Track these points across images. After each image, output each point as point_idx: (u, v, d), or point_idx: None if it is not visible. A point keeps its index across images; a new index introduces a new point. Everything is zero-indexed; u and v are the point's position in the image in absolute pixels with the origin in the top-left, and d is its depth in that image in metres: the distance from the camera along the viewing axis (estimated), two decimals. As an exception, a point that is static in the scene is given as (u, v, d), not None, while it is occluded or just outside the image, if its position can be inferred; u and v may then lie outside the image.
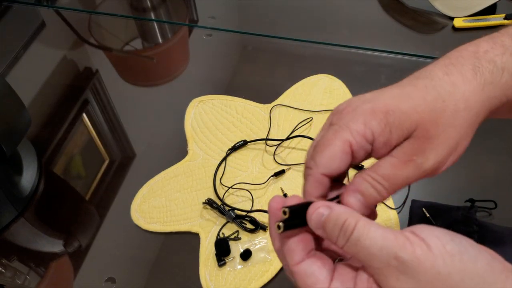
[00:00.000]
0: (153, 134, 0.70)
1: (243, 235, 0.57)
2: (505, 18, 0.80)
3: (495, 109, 0.32)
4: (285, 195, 0.60)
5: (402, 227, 0.56)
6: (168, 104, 0.75)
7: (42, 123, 0.73)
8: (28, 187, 0.62)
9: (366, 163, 0.33)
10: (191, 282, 0.54)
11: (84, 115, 0.74)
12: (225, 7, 0.92)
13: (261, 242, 0.56)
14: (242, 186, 0.61)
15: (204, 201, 0.59)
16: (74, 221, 0.61)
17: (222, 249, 0.54)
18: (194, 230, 0.58)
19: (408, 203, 0.59)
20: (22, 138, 0.61)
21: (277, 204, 0.29)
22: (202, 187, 0.62)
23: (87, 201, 0.63)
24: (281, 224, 0.28)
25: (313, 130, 0.67)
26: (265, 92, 0.73)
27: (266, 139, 0.66)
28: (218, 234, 0.56)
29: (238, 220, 0.57)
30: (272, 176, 0.62)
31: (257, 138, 0.66)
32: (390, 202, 0.59)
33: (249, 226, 0.57)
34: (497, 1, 0.80)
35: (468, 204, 0.57)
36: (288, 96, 0.72)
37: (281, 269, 0.54)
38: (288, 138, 0.66)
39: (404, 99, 0.30)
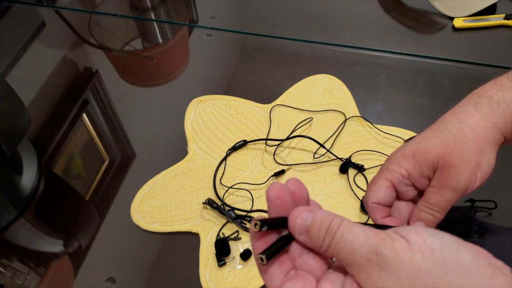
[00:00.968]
0: (153, 134, 0.70)
1: (243, 235, 0.57)
2: (505, 18, 0.80)
3: (506, 132, 0.41)
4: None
5: (402, 227, 0.56)
6: (168, 104, 0.75)
7: (42, 123, 0.73)
8: (28, 187, 0.63)
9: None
10: (191, 282, 0.54)
11: (84, 115, 0.74)
12: (225, 7, 0.92)
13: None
14: (242, 186, 0.62)
15: (204, 201, 0.59)
16: (74, 221, 0.61)
17: (222, 249, 0.55)
18: (194, 230, 0.58)
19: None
20: (22, 138, 0.61)
21: (277, 192, 0.29)
22: (202, 187, 0.62)
23: (87, 201, 0.63)
24: (262, 256, 0.27)
25: (313, 130, 0.67)
26: (265, 92, 0.73)
27: (266, 139, 0.66)
28: (218, 234, 0.56)
29: (238, 220, 0.57)
30: (272, 176, 0.62)
31: (257, 138, 0.66)
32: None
33: (249, 226, 0.57)
34: (497, 1, 0.81)
35: (468, 204, 0.57)
36: (288, 96, 0.72)
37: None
38: (288, 138, 0.66)
39: (424, 141, 0.41)
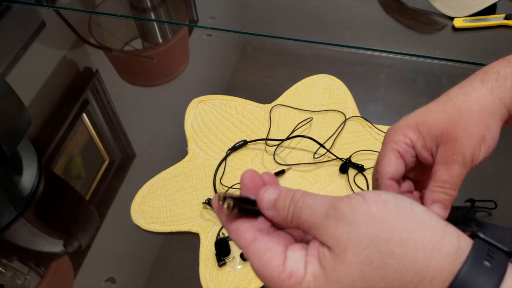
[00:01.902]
0: (153, 134, 0.70)
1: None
2: (505, 18, 0.80)
3: (511, 107, 0.39)
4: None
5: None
6: (168, 104, 0.75)
7: (42, 123, 0.73)
8: (28, 187, 0.63)
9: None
10: (191, 282, 0.54)
11: (84, 115, 0.74)
12: (225, 7, 0.92)
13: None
14: (242, 186, 0.61)
15: (204, 201, 0.59)
16: (74, 221, 0.61)
17: (222, 249, 0.55)
18: (194, 230, 0.58)
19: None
20: (22, 138, 0.61)
21: (250, 175, 0.30)
22: (202, 187, 0.62)
23: (87, 201, 0.63)
24: (230, 202, 0.27)
25: (313, 130, 0.67)
26: (265, 92, 0.73)
27: (266, 139, 0.66)
28: (218, 234, 0.56)
29: None
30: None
31: (257, 138, 0.66)
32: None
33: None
34: (497, 1, 0.80)
35: (468, 204, 0.57)
36: (288, 96, 0.72)
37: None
38: (288, 138, 0.66)
39: (429, 113, 0.40)
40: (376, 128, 0.66)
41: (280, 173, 0.62)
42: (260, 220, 0.29)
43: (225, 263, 0.54)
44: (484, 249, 0.25)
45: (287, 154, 0.65)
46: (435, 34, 0.83)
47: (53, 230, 0.61)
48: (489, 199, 0.57)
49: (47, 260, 0.57)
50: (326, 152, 0.64)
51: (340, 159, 0.63)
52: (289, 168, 0.63)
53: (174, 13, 0.95)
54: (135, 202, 0.61)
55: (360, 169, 0.62)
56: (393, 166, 0.39)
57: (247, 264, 0.54)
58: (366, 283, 0.25)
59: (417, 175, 0.42)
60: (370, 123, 0.67)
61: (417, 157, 0.40)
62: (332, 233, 0.26)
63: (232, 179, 0.63)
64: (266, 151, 0.65)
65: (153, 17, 0.93)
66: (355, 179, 0.61)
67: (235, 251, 0.55)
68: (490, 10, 0.81)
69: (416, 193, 0.43)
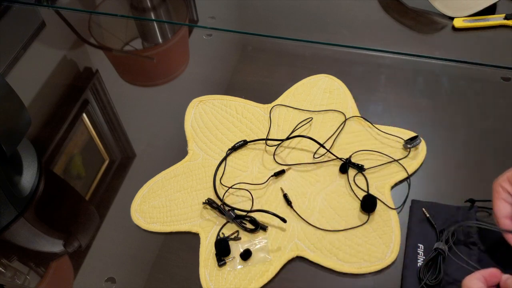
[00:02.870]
0: (153, 134, 0.70)
1: (243, 235, 0.57)
2: (505, 18, 0.80)
3: None
4: (285, 195, 0.60)
5: (402, 227, 0.56)
6: (168, 104, 0.75)
7: (42, 123, 0.73)
8: (28, 187, 0.63)
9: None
10: (191, 282, 0.54)
11: (84, 115, 0.74)
12: (225, 7, 0.92)
13: (261, 242, 0.56)
14: (242, 186, 0.61)
15: (204, 201, 0.59)
16: (74, 221, 0.61)
17: (222, 249, 0.55)
18: (194, 230, 0.58)
19: (408, 203, 0.59)
20: (22, 138, 0.61)
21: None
22: (202, 187, 0.62)
23: (87, 201, 0.63)
24: None
25: (313, 130, 0.67)
26: (265, 92, 0.73)
27: (266, 139, 0.66)
28: (218, 234, 0.56)
29: (238, 220, 0.57)
30: (272, 176, 0.62)
31: (257, 138, 0.66)
32: (390, 202, 0.59)
33: (249, 226, 0.57)
34: (497, 1, 0.80)
35: (468, 204, 0.57)
36: (288, 96, 0.72)
37: (281, 269, 0.54)
38: (288, 138, 0.66)
39: None
40: (376, 128, 0.66)
41: (280, 173, 0.62)
42: None
43: (225, 263, 0.54)
44: None
45: (287, 154, 0.65)
46: (435, 34, 0.83)
47: (53, 230, 0.61)
48: (489, 199, 0.57)
49: (47, 260, 0.57)
50: (326, 152, 0.64)
51: (340, 159, 0.63)
52: (289, 168, 0.63)
53: (174, 13, 0.95)
54: (135, 202, 0.61)
55: (360, 169, 0.62)
56: (502, 209, 0.49)
57: (247, 264, 0.54)
58: None
59: None
60: (370, 123, 0.67)
61: None
62: None
63: (232, 179, 0.63)
64: (266, 151, 0.65)
65: (153, 17, 0.93)
66: (355, 179, 0.61)
67: (235, 251, 0.55)
68: (490, 10, 0.81)
69: None
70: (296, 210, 0.58)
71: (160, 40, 0.90)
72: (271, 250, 0.55)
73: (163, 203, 0.61)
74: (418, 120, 0.68)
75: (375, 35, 0.82)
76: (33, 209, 0.62)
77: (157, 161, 0.66)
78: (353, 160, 0.63)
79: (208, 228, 0.58)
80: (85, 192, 0.64)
